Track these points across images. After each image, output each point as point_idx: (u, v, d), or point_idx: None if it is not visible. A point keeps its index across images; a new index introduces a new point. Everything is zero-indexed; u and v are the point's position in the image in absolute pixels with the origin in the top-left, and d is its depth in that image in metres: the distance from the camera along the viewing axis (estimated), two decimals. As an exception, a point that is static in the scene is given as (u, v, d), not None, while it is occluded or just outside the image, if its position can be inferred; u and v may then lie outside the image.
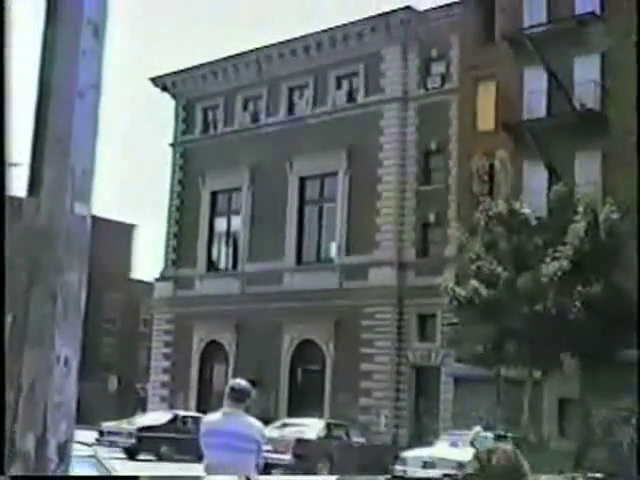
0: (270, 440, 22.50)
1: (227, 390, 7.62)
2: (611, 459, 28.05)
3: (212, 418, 7.84)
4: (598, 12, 33.94)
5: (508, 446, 4.30)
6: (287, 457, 27.37)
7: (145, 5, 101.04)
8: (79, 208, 2.57)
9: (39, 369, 2.38)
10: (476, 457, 4.01)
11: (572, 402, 31.41)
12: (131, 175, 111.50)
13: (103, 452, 22.68)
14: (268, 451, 22.85)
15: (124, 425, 32.21)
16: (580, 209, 28.92)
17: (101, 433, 31.54)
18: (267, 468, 22.34)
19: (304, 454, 28.03)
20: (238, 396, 7.53)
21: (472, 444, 22.75)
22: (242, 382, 7.77)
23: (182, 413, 34.62)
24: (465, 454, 24.74)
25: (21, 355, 2.39)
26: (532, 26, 35.41)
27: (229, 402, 7.55)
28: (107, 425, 32.36)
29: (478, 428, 24.76)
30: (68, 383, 2.44)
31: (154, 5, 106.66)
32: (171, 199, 48.12)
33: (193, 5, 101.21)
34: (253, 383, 8.36)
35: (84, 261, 2.57)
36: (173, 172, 48.40)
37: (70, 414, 2.45)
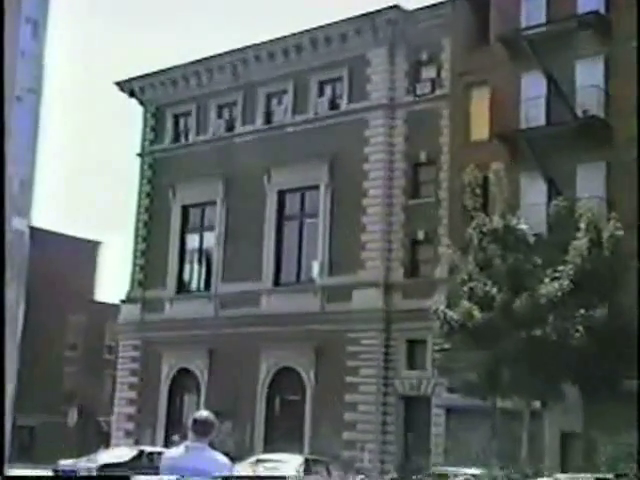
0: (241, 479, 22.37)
1: (190, 423, 7.63)
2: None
3: (173, 453, 7.82)
4: (602, 11, 34.06)
5: None
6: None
7: (112, 4, 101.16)
8: (17, 223, 2.57)
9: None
10: None
11: (575, 436, 31.38)
12: (95, 188, 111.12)
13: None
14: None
15: (83, 463, 31.98)
16: (582, 225, 28.99)
17: (56, 472, 31.11)
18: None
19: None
20: (201, 429, 7.52)
21: None
22: (205, 414, 7.76)
23: (148, 449, 34.44)
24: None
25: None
26: (530, 27, 35.59)
27: (192, 436, 7.55)
28: (64, 463, 32.09)
29: None
30: None
31: (121, 4, 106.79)
32: (138, 214, 47.98)
33: (164, 4, 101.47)
34: (218, 414, 8.35)
35: (22, 278, 2.58)
36: (141, 185, 48.30)
37: None
